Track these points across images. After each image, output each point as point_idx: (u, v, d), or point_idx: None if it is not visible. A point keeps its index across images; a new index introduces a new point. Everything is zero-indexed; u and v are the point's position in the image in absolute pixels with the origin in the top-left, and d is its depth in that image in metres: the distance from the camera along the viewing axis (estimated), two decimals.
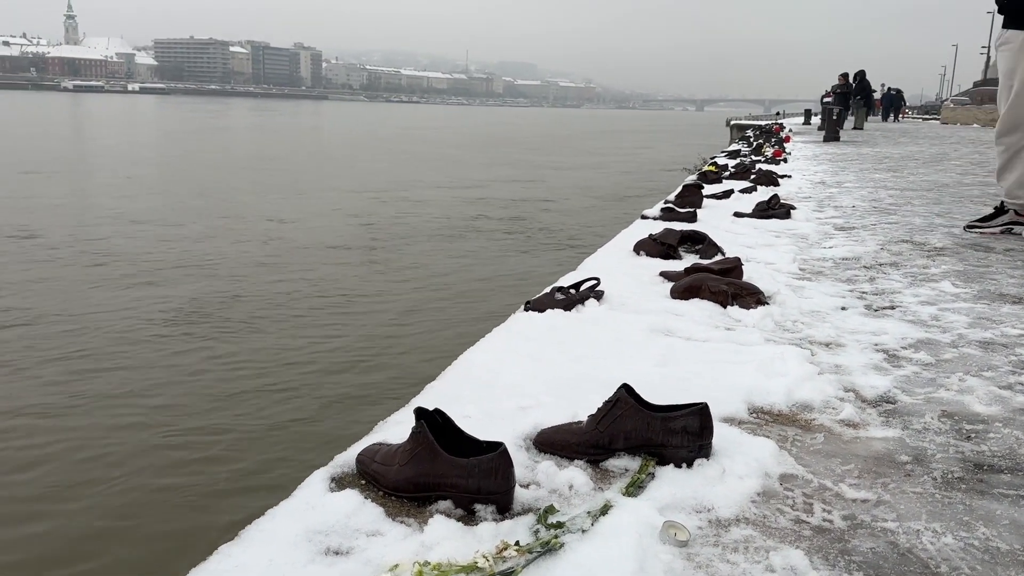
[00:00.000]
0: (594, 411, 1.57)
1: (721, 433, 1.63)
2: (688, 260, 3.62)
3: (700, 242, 3.77)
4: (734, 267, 3.10)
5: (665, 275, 3.21)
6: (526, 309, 2.69)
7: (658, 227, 4.79)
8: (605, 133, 66.78)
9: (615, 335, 2.37)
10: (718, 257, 3.26)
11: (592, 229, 10.16)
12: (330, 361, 6.36)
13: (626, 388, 1.56)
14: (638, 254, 3.76)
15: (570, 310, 2.66)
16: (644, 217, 5.15)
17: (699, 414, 1.51)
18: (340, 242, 11.78)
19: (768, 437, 1.68)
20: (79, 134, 39.93)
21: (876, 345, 2.39)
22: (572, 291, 2.76)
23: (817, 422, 1.79)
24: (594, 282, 2.82)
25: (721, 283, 2.87)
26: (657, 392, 1.89)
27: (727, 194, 6.75)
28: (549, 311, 2.63)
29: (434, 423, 1.37)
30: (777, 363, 2.09)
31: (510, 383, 1.95)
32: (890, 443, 1.67)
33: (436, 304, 8.11)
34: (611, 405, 1.54)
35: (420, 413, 1.36)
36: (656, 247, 3.72)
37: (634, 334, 2.40)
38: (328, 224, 13.35)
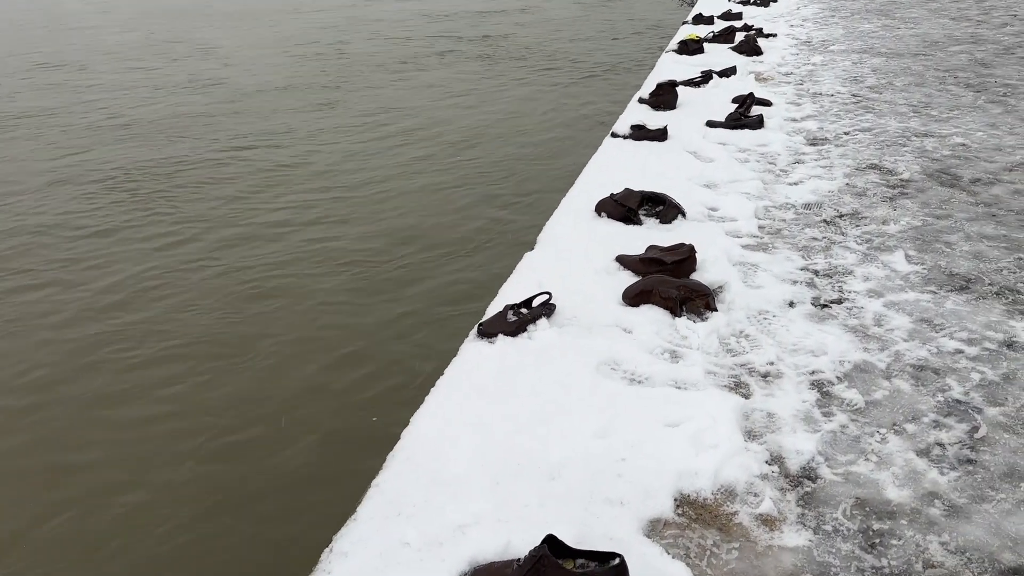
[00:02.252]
0: (523, 557, 1.69)
1: (644, 559, 1.76)
2: (648, 227, 3.62)
3: (660, 203, 3.74)
4: (687, 257, 3.11)
5: (621, 261, 3.22)
6: (479, 333, 2.74)
7: (628, 149, 4.71)
8: None
9: (561, 381, 2.45)
10: (674, 242, 3.26)
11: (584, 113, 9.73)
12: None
13: (549, 543, 1.67)
14: (599, 215, 3.74)
15: (521, 333, 2.72)
16: (614, 135, 5.03)
17: (615, 571, 1.63)
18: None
19: (688, 553, 1.81)
20: None
21: (812, 376, 2.47)
22: (523, 310, 2.80)
23: (737, 519, 1.92)
24: (546, 297, 2.86)
25: (672, 286, 2.90)
26: (593, 481, 2.02)
27: (706, 78, 6.53)
28: (500, 338, 2.69)
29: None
30: (708, 434, 2.19)
31: (455, 474, 2.06)
32: (799, 556, 1.81)
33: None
34: (535, 560, 1.66)
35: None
36: (617, 209, 3.70)
37: (580, 377, 2.47)
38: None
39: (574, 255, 3.35)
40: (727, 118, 5.22)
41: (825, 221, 3.67)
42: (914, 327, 2.74)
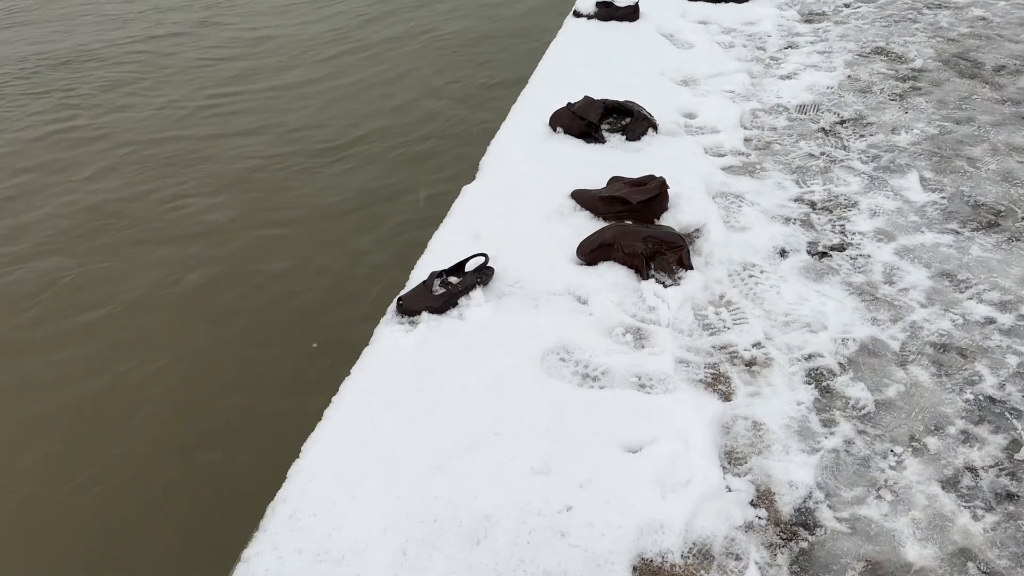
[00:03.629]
0: None
1: None
2: (612, 146, 3.01)
3: (627, 114, 3.10)
4: (657, 194, 2.54)
5: (578, 199, 2.65)
6: (398, 309, 2.21)
7: (592, 33, 4.01)
8: None
9: (496, 384, 1.95)
10: (643, 165, 2.67)
11: None
12: None
13: None
14: (555, 131, 3.12)
15: (450, 308, 2.19)
16: (577, 15, 4.28)
17: None
18: None
19: None
20: None
21: (809, 363, 1.98)
22: (452, 279, 2.25)
23: None
24: (481, 260, 2.30)
25: (637, 238, 2.35)
26: (529, 544, 1.56)
27: None
28: (424, 318, 2.16)
29: None
30: (678, 465, 1.71)
31: (350, 542, 1.59)
32: None
33: None
34: None
35: None
36: (575, 123, 3.07)
37: (520, 375, 1.97)
38: None
39: (522, 189, 2.76)
40: None
41: (824, 130, 3.07)
42: (933, 284, 2.23)
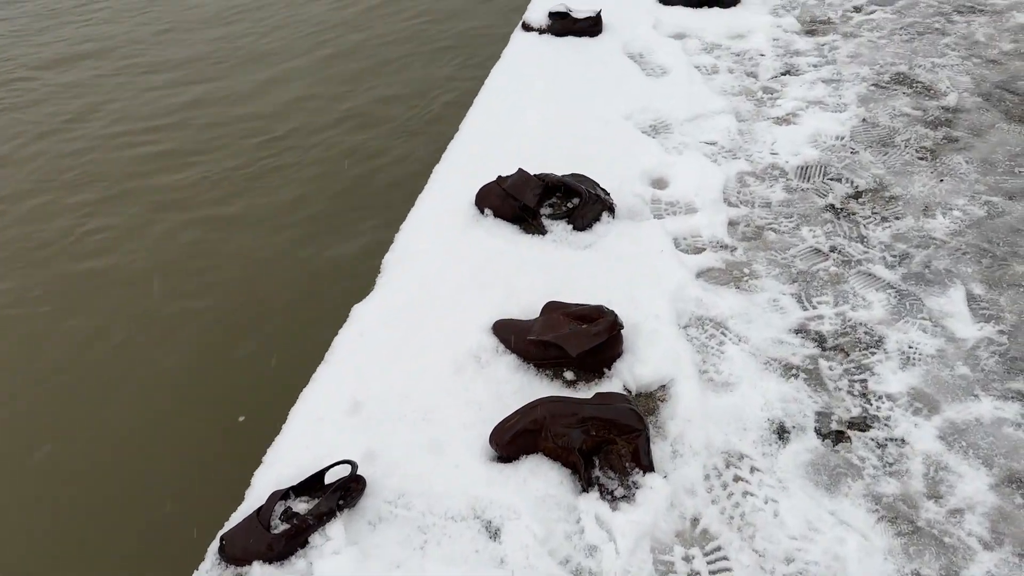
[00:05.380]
0: None
1: None
2: (554, 237, 2.28)
3: (573, 195, 2.37)
4: (607, 339, 1.82)
5: (502, 335, 1.94)
6: (220, 555, 1.51)
7: (543, 54, 3.25)
8: None
9: None
10: (593, 269, 1.96)
11: None
12: None
13: None
14: (483, 212, 2.38)
15: (294, 553, 1.49)
16: (527, 28, 3.50)
17: None
18: None
19: None
20: None
21: None
22: (303, 502, 1.55)
23: None
24: (348, 469, 1.59)
25: (574, 421, 1.64)
26: None
27: None
28: (255, 571, 1.47)
29: None
30: None
31: None
32: None
33: None
34: None
35: None
36: (508, 204, 2.34)
37: None
38: None
39: (429, 312, 2.04)
40: None
41: (833, 208, 2.34)
42: (999, 502, 1.53)
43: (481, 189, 2.40)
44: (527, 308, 2.03)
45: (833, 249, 2.18)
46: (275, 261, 3.39)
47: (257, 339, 3.01)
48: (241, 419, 2.68)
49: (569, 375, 1.87)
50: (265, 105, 4.69)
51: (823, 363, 1.85)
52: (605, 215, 2.31)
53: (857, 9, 3.53)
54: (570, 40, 3.36)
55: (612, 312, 1.86)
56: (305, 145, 4.25)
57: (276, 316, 3.10)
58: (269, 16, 6.00)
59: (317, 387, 1.87)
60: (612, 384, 1.83)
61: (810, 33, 3.36)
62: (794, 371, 1.83)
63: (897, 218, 2.28)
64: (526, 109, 2.90)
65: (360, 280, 2.31)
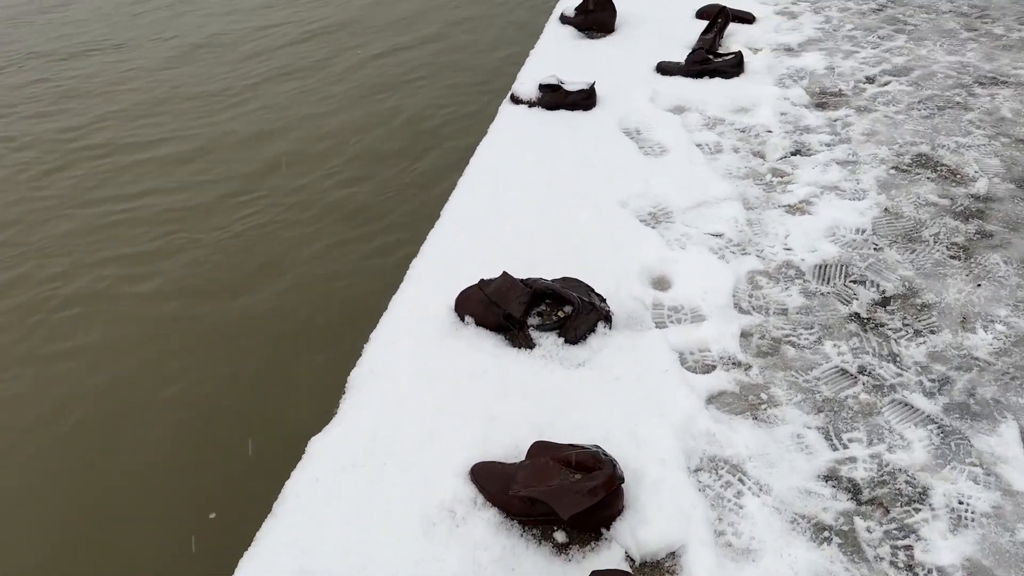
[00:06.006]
0: None
1: None
2: (542, 351, 2.00)
3: (564, 303, 2.10)
4: (604, 497, 1.54)
5: (482, 484, 1.65)
6: None
7: (532, 130, 3.02)
8: None
9: None
10: (588, 391, 1.68)
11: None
12: None
13: None
14: (463, 319, 2.11)
15: None
16: (516, 101, 3.27)
17: None
18: None
19: None
20: None
21: None
22: None
23: None
24: None
25: None
26: None
27: None
28: None
29: None
30: None
31: None
32: None
33: None
34: None
35: None
36: (492, 313, 2.06)
37: None
38: None
39: (398, 452, 1.75)
40: (688, 57, 3.45)
41: (859, 318, 2.07)
42: None
43: (461, 294, 2.13)
44: (511, 445, 1.75)
45: (862, 370, 1.91)
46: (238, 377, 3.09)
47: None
48: None
49: (560, 536, 1.58)
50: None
51: (859, 522, 1.56)
52: (601, 325, 2.03)
53: (870, 80, 3.31)
54: (562, 114, 3.13)
55: (610, 461, 1.58)
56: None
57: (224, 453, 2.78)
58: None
59: (260, 550, 1.57)
60: (611, 551, 1.54)
61: (820, 107, 3.13)
62: (826, 533, 1.55)
63: (932, 332, 2.01)
64: (513, 193, 2.65)
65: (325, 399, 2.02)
